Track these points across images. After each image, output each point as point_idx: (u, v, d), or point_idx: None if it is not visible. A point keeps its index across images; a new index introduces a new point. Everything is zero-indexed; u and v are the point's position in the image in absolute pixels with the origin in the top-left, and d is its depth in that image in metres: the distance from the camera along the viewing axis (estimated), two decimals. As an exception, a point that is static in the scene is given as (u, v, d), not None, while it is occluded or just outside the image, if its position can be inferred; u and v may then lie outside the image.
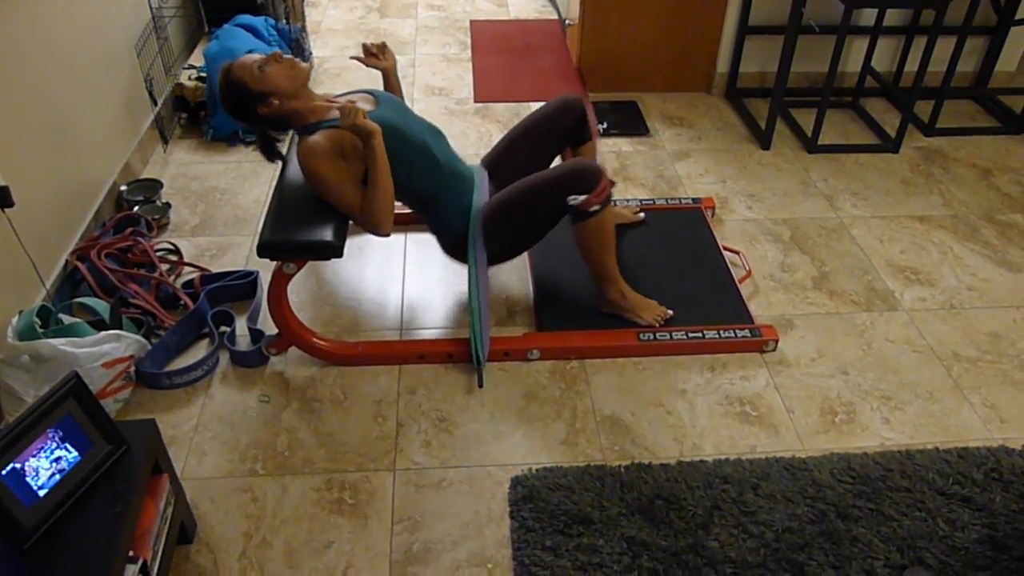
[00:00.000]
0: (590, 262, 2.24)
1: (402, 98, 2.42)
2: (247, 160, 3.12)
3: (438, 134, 2.27)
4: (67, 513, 1.42)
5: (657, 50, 3.61)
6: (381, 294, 2.49)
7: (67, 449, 1.44)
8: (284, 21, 3.54)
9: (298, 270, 2.05)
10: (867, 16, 3.51)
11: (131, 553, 1.47)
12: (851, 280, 2.58)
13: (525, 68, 3.94)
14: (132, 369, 2.10)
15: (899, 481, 1.90)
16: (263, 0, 3.55)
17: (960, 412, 2.12)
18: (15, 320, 1.98)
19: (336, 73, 3.86)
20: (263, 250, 1.98)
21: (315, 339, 2.20)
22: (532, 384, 2.18)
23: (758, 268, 2.63)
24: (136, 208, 2.76)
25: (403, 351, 2.23)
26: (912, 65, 3.61)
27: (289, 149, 2.34)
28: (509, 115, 3.50)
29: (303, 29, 3.74)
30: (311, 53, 3.91)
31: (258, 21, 3.42)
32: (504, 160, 2.39)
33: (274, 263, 2.05)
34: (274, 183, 2.08)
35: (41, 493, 1.39)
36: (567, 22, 4.04)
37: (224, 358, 2.26)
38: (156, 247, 2.62)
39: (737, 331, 2.28)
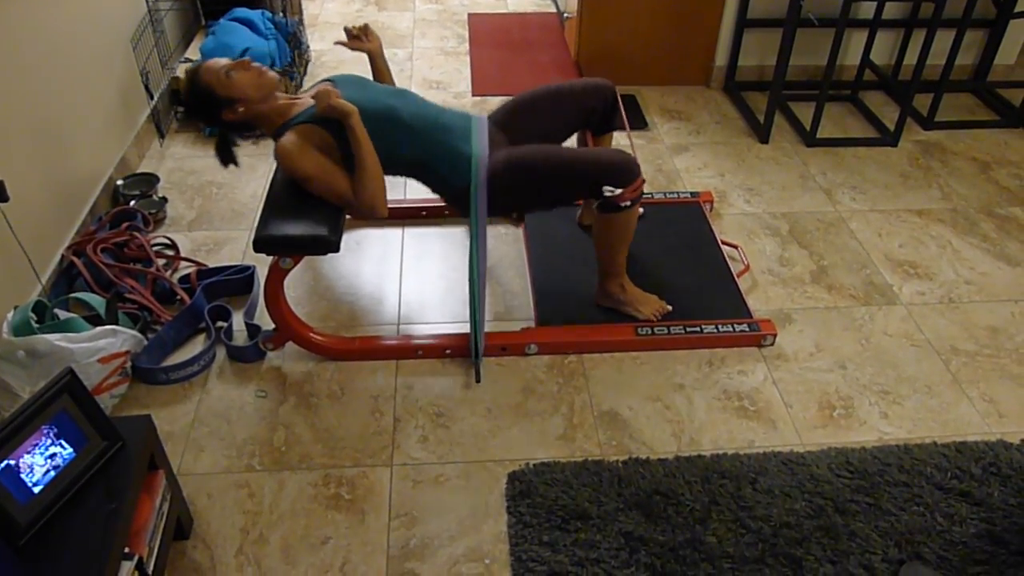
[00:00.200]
0: (602, 253, 2.22)
1: (392, 81, 2.40)
2: (244, 154, 3.10)
3: (404, 94, 2.18)
4: (62, 510, 1.42)
5: (655, 43, 3.60)
6: (378, 289, 2.49)
7: (62, 445, 1.43)
8: (281, 14, 3.52)
9: (295, 265, 2.05)
10: (866, 9, 3.49)
11: (127, 550, 1.46)
12: (849, 274, 2.57)
13: (523, 61, 3.93)
14: (128, 364, 2.10)
15: (897, 476, 1.90)
16: (260, -7, 3.54)
17: (958, 406, 2.12)
18: (10, 315, 1.97)
19: (333, 67, 3.84)
20: (259, 245, 1.97)
21: (312, 334, 2.20)
22: (530, 379, 2.17)
23: (756, 262, 2.62)
24: (132, 202, 2.75)
25: (401, 346, 2.23)
26: (911, 58, 3.60)
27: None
28: (507, 109, 3.48)
29: (300, 22, 3.73)
30: (308, 47, 3.89)
31: (255, 15, 3.41)
32: (522, 119, 2.30)
33: (271, 258, 2.05)
34: (271, 177, 2.08)
35: (36, 490, 1.39)
36: (565, 15, 4.02)
37: (221, 353, 2.25)
38: (152, 242, 2.61)
39: (735, 325, 2.27)
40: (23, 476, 1.37)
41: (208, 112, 2.06)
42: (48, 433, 1.41)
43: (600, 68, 3.67)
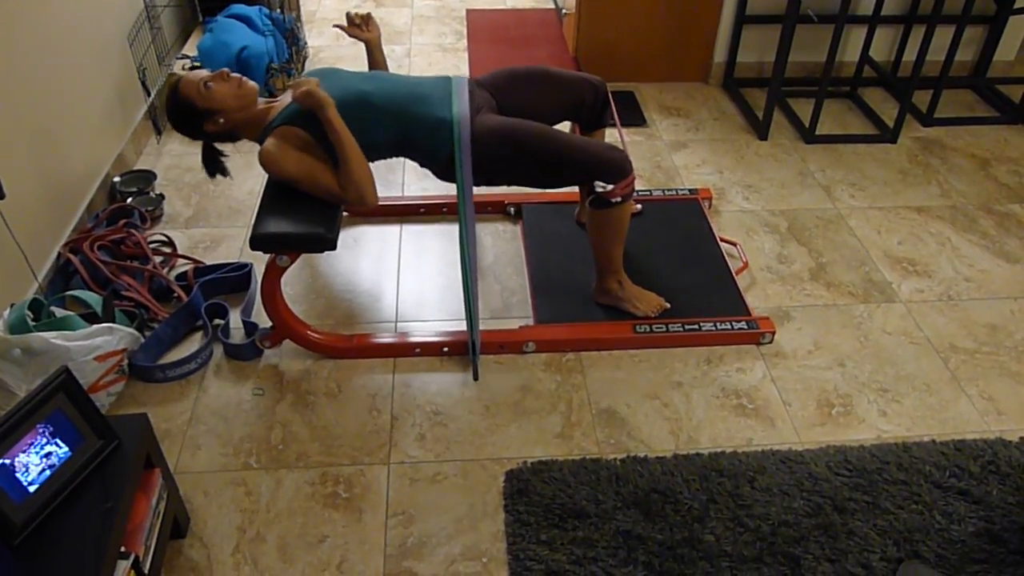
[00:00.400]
0: (597, 249, 2.22)
1: (387, 70, 2.39)
2: (241, 152, 3.10)
3: (376, 77, 2.15)
4: (58, 509, 1.41)
5: (654, 40, 3.59)
6: (376, 286, 2.48)
7: (57, 444, 1.43)
8: (278, 10, 3.51)
9: (292, 263, 2.04)
10: (865, 5, 3.48)
11: (123, 549, 1.46)
12: (848, 271, 2.57)
13: (521, 58, 3.92)
14: (125, 362, 2.09)
15: (896, 474, 1.89)
16: (257, -11, 3.53)
17: (957, 404, 2.12)
18: (6, 313, 1.97)
19: (331, 63, 3.83)
20: (256, 243, 1.97)
21: (309, 332, 2.19)
22: (528, 377, 2.17)
23: (755, 259, 2.61)
24: (129, 200, 2.74)
25: (398, 344, 2.22)
26: (910, 54, 3.59)
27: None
28: (505, 105, 3.48)
29: (298, 19, 3.71)
30: (306, 43, 3.88)
31: (252, 11, 3.39)
32: (516, 90, 2.28)
33: (268, 255, 2.04)
34: (268, 176, 2.08)
35: (31, 489, 1.38)
36: (563, 11, 4.01)
37: (218, 351, 2.24)
38: (149, 239, 2.61)
39: (734, 323, 2.27)
40: (18, 475, 1.36)
41: (190, 125, 2.08)
42: (43, 432, 1.41)
43: (598, 64, 3.66)
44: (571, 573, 1.67)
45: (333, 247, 1.99)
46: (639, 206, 2.74)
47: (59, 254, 2.41)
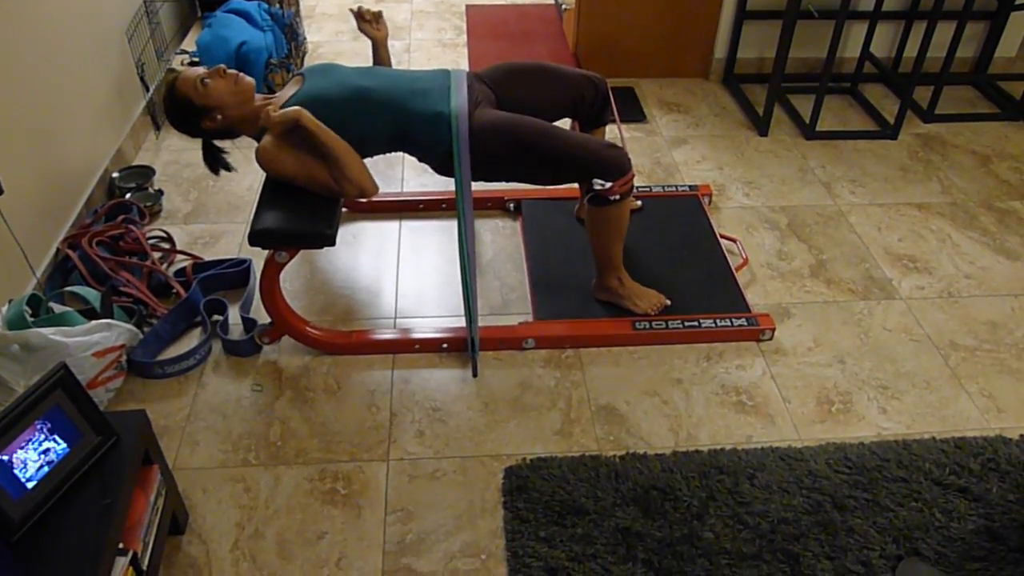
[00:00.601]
0: (596, 247, 2.22)
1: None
2: (240, 147, 3.08)
3: (374, 72, 2.15)
4: (56, 505, 1.41)
5: (654, 35, 3.58)
6: (375, 282, 2.48)
7: (55, 441, 1.42)
8: (277, 6, 3.50)
9: (290, 259, 2.04)
10: (866, 1, 3.47)
11: (121, 545, 1.46)
12: (848, 268, 2.56)
13: (521, 53, 3.91)
14: (124, 358, 2.09)
15: (896, 471, 1.89)
16: (256, -16, 3.51)
17: (957, 401, 2.11)
18: (4, 309, 1.96)
19: (331, 59, 3.82)
20: (255, 239, 1.96)
21: (308, 328, 2.19)
22: (527, 373, 2.17)
23: (755, 256, 2.61)
24: (128, 195, 2.74)
25: (397, 340, 2.22)
26: (911, 51, 3.58)
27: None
28: (505, 101, 3.47)
29: (296, 14, 3.70)
30: (305, 38, 3.87)
31: (251, 6, 3.38)
32: (515, 85, 2.27)
33: (267, 251, 2.04)
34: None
35: (29, 485, 1.38)
36: (563, 7, 4.00)
37: (217, 347, 2.24)
38: (148, 235, 2.60)
39: (733, 320, 2.26)
40: (16, 472, 1.36)
41: (188, 123, 2.08)
42: (42, 428, 1.40)
43: (598, 60, 3.65)
44: (570, 570, 1.67)
45: (332, 243, 1.98)
46: (639, 202, 2.73)
47: (58, 250, 2.40)
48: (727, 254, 2.54)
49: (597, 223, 2.16)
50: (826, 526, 1.77)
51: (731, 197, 2.89)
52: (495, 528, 1.78)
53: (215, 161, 2.22)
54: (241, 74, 2.08)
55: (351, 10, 2.30)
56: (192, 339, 2.26)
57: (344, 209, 2.74)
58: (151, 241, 2.58)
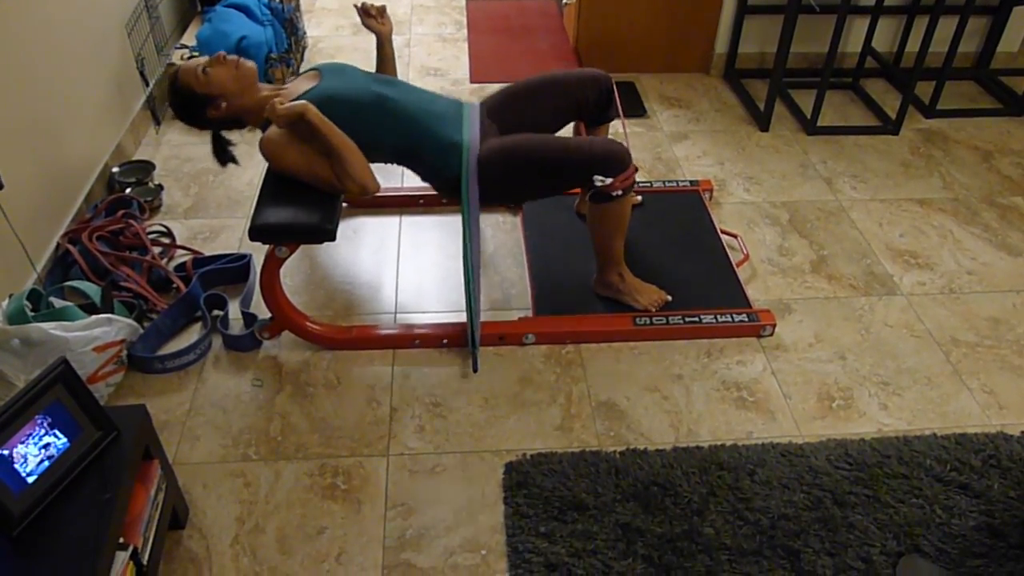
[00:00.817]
0: (598, 243, 2.22)
1: (394, 66, 2.38)
2: (240, 142, 3.08)
3: (395, 83, 2.17)
4: (56, 500, 1.41)
5: (655, 30, 3.57)
6: (375, 277, 2.47)
7: (56, 435, 1.42)
8: (277, 0, 3.49)
9: (291, 254, 2.03)
10: (868, -4, 3.47)
11: (121, 540, 1.45)
12: (850, 264, 2.56)
13: (521, 48, 3.90)
14: (124, 353, 2.09)
15: (896, 467, 1.89)
16: (256, -22, 3.50)
17: (958, 398, 2.11)
18: (5, 304, 1.96)
19: (330, 54, 3.81)
20: (255, 234, 1.96)
21: (308, 323, 2.18)
22: (527, 369, 2.16)
23: (756, 252, 2.60)
24: (128, 190, 2.73)
25: (397, 335, 2.21)
26: (913, 46, 3.57)
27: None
28: (506, 96, 3.46)
29: (296, 8, 3.69)
30: (305, 33, 3.86)
31: (251, 1, 3.37)
32: (515, 108, 2.28)
33: (267, 246, 2.03)
34: (267, 165, 2.07)
35: (30, 480, 1.37)
36: (564, 1, 3.99)
37: (217, 342, 2.24)
38: (148, 229, 2.59)
39: (734, 315, 2.26)
40: (17, 466, 1.36)
41: (193, 113, 2.08)
42: (42, 423, 1.40)
43: (599, 55, 3.64)
44: (570, 565, 1.67)
45: (332, 238, 1.98)
46: (639, 197, 2.73)
47: (58, 244, 2.40)
48: (728, 250, 2.53)
49: (598, 219, 2.16)
50: (827, 522, 1.77)
51: (732, 192, 2.89)
52: (495, 523, 1.78)
53: (224, 154, 2.21)
54: (242, 59, 2.08)
55: (355, 5, 2.30)
56: (192, 334, 2.26)
57: (344, 204, 2.73)
58: (151, 236, 2.57)
